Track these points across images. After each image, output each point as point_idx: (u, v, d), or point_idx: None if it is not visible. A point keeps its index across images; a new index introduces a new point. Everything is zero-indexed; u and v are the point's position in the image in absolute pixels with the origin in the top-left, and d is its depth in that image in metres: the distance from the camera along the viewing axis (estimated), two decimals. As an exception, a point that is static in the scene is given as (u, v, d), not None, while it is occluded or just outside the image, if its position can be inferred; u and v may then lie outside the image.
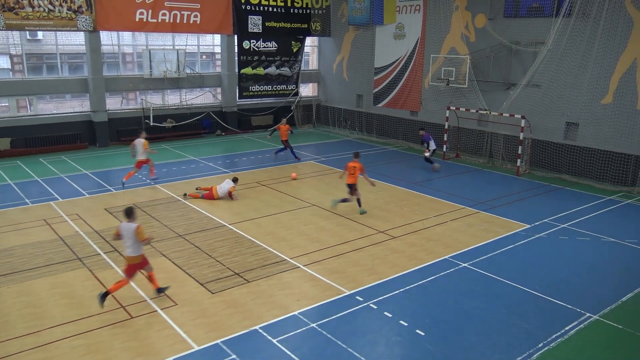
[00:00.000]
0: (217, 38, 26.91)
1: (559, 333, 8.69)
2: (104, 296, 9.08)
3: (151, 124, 24.32)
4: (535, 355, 8.05)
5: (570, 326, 8.92)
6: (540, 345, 8.33)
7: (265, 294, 9.92)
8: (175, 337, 8.44)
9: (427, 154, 19.69)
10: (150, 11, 23.26)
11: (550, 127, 19.34)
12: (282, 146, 21.28)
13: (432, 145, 19.70)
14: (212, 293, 9.92)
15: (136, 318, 8.99)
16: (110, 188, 16.85)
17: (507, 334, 8.65)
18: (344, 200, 14.80)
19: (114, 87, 23.92)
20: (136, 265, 9.28)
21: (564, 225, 13.90)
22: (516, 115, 19.33)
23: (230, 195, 15.64)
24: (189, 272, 10.81)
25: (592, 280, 10.82)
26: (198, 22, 24.72)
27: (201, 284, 10.27)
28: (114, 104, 24.27)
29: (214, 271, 10.88)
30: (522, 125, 19.04)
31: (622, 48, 17.30)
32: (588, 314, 9.32)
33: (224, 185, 15.74)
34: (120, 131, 23.93)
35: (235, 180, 16.05)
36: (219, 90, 27.39)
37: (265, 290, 10.04)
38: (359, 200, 14.68)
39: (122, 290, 9.58)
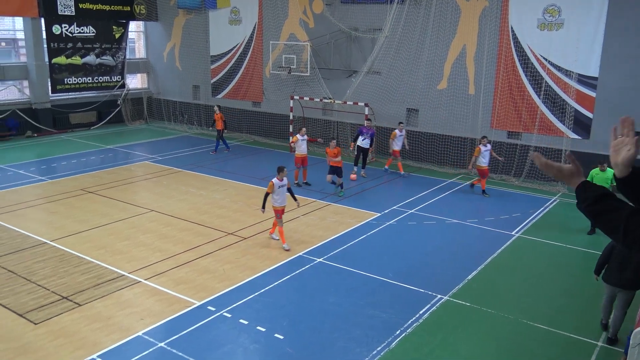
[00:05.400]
0: (19, 22, 24.38)
1: (414, 318, 9.43)
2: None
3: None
4: (393, 343, 8.65)
5: (424, 309, 9.73)
6: (397, 332, 8.97)
7: (101, 316, 9.28)
8: (-11, 383, 7.55)
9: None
10: None
11: (392, 114, 20.81)
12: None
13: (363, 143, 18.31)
14: (35, 324, 9.02)
15: None
16: None
17: (366, 326, 9.16)
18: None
19: None
20: (276, 210, 12.41)
21: (412, 211, 15.10)
22: (360, 103, 20.48)
23: None
24: (2, 302, 9.69)
25: (440, 262, 11.92)
26: (-8, 2, 22.10)
27: (20, 315, 9.27)
28: None
29: (36, 297, 9.90)
30: (367, 113, 20.23)
31: (453, 35, 19.23)
32: (439, 296, 10.25)
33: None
34: None
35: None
36: (25, 83, 24.86)
37: (101, 313, 9.40)
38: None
39: None
